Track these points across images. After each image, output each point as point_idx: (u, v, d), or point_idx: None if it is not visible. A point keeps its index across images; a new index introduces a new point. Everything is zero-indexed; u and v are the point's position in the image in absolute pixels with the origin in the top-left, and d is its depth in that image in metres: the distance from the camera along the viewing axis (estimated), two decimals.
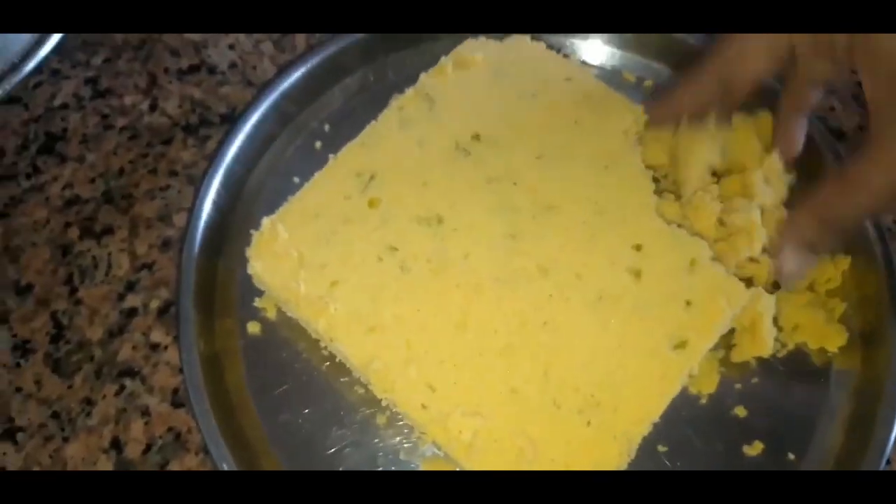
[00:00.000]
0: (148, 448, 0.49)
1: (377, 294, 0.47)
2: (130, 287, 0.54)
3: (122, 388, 0.51)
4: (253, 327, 0.51)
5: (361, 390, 0.48)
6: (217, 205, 0.53)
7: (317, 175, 0.53)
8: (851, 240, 0.51)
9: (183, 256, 0.51)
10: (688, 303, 0.46)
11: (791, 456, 0.48)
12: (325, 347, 0.49)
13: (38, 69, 0.58)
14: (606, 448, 0.43)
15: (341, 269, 0.48)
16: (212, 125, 0.61)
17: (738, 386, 0.49)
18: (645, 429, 0.45)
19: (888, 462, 0.47)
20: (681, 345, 0.45)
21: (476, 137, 0.53)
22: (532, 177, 0.51)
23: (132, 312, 0.53)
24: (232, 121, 0.59)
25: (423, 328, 0.46)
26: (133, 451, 0.49)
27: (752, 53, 0.40)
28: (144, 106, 0.61)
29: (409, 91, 0.55)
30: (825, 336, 0.50)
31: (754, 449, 0.48)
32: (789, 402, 0.49)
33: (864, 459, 0.46)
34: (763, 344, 0.48)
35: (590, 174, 0.51)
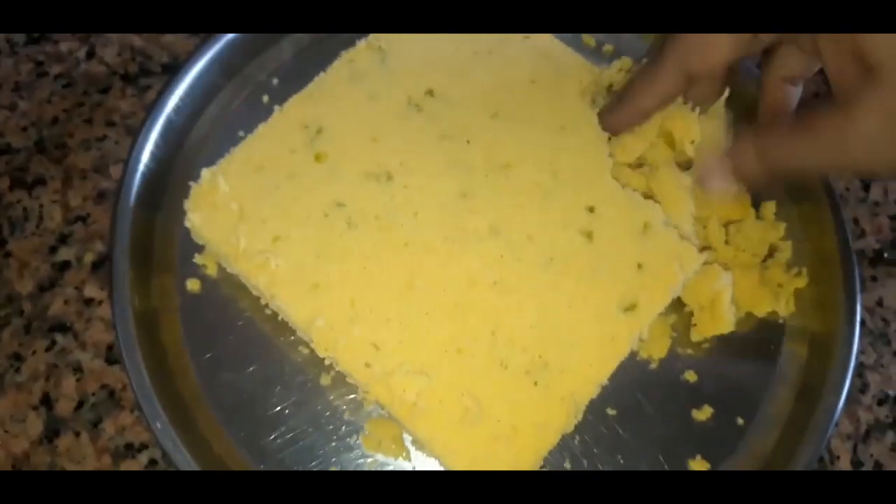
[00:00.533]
0: (80, 405, 0.47)
1: (322, 251, 0.46)
2: (63, 240, 0.52)
3: (53, 343, 0.49)
4: (192, 284, 0.49)
5: (306, 350, 0.47)
6: (156, 156, 0.50)
7: (261, 127, 0.50)
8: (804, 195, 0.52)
9: (118, 208, 0.48)
10: (639, 266, 0.46)
11: (740, 421, 0.47)
12: (268, 306, 0.47)
13: None
14: (553, 409, 0.43)
15: (284, 224, 0.46)
16: (152, 74, 0.58)
17: (689, 351, 0.49)
18: (593, 391, 0.44)
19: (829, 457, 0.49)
20: (631, 307, 0.45)
21: (429, 93, 0.51)
22: (486, 135, 0.50)
23: (65, 266, 0.51)
24: (174, 70, 0.56)
25: (368, 286, 0.45)
26: (64, 408, 0.47)
27: (714, 41, 0.36)
28: (81, 53, 0.59)
29: (361, 43, 0.53)
30: (767, 303, 0.49)
31: (703, 413, 0.47)
32: (740, 369, 0.49)
33: (811, 426, 0.45)
34: (723, 322, 0.47)
35: (545, 135, 0.50)
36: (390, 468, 0.46)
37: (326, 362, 0.46)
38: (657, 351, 0.48)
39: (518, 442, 0.42)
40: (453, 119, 0.50)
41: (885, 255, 0.56)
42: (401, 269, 0.45)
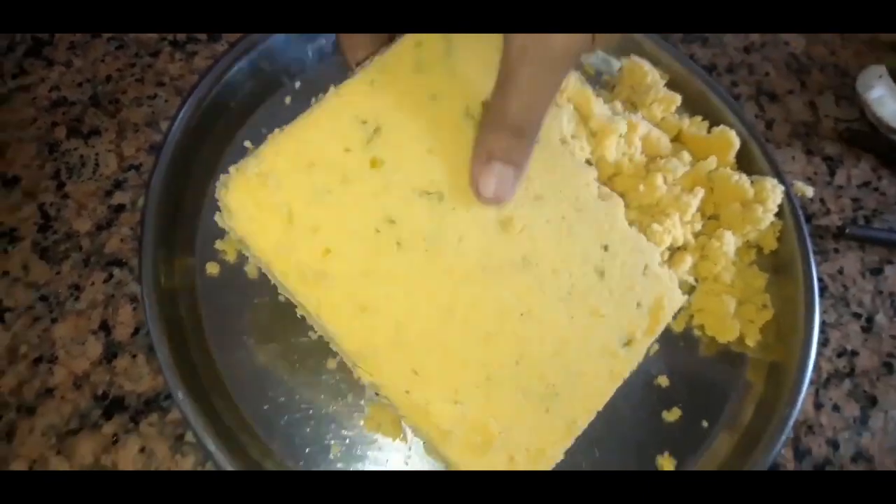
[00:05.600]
0: (136, 331, 0.45)
1: (370, 269, 0.39)
2: (118, 185, 0.49)
3: (111, 276, 0.47)
4: (212, 268, 0.46)
5: (315, 336, 0.44)
6: (183, 144, 0.48)
7: (315, 110, 0.39)
8: (780, 262, 0.53)
9: (149, 193, 0.46)
10: (638, 304, 0.44)
11: (705, 423, 0.47)
12: (281, 294, 0.41)
13: None
14: (559, 434, 0.41)
15: (336, 237, 0.39)
16: (199, 42, 0.55)
17: (663, 358, 0.49)
18: (589, 419, 0.42)
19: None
20: (629, 343, 0.43)
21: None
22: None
23: (120, 208, 0.49)
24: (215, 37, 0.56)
25: (412, 311, 0.40)
26: (121, 334, 0.45)
27: None
28: None
29: None
30: (721, 327, 0.49)
31: (673, 415, 0.47)
32: (708, 376, 0.49)
33: (767, 434, 0.47)
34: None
35: (574, 167, 0.46)
36: (388, 449, 0.44)
37: (333, 347, 0.41)
38: None
39: (529, 463, 0.40)
40: None
41: (847, 230, 0.56)
42: (443, 295, 0.41)
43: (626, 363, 0.43)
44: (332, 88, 0.41)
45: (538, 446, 0.40)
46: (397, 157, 0.41)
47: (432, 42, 0.44)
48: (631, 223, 0.47)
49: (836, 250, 0.58)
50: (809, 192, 0.55)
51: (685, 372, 0.49)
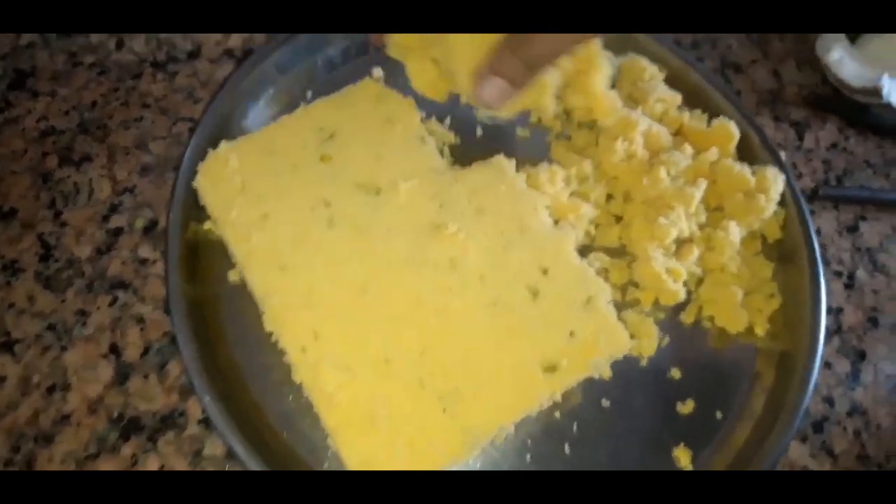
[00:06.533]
0: (146, 351, 0.45)
1: (298, 238, 0.44)
2: (114, 209, 0.49)
3: (115, 299, 0.46)
4: (234, 275, 0.47)
5: None
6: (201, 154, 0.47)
7: (284, 117, 0.48)
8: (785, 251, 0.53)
9: (170, 216, 0.47)
10: (571, 333, 0.43)
11: (718, 414, 0.47)
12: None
13: None
14: (452, 437, 0.41)
15: (274, 207, 0.45)
16: (179, 61, 0.55)
17: (674, 351, 0.48)
18: (492, 432, 0.41)
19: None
20: (551, 368, 0.42)
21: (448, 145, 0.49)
22: (474, 178, 0.47)
23: (118, 231, 0.48)
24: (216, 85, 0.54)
25: (327, 280, 0.43)
26: (131, 355, 0.45)
27: None
28: (111, 44, 0.55)
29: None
30: (730, 318, 0.49)
31: (687, 407, 0.47)
32: (719, 368, 0.48)
33: (778, 425, 0.47)
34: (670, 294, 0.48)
35: (524, 192, 0.47)
36: None
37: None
38: (647, 349, 0.47)
39: (411, 457, 0.40)
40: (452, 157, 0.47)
41: (820, 191, 0.57)
42: (360, 274, 0.43)
43: (545, 388, 0.42)
44: (301, 105, 0.49)
45: (425, 443, 0.40)
46: (345, 157, 0.47)
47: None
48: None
49: (812, 212, 0.57)
50: (781, 157, 0.56)
51: (697, 364, 0.48)
